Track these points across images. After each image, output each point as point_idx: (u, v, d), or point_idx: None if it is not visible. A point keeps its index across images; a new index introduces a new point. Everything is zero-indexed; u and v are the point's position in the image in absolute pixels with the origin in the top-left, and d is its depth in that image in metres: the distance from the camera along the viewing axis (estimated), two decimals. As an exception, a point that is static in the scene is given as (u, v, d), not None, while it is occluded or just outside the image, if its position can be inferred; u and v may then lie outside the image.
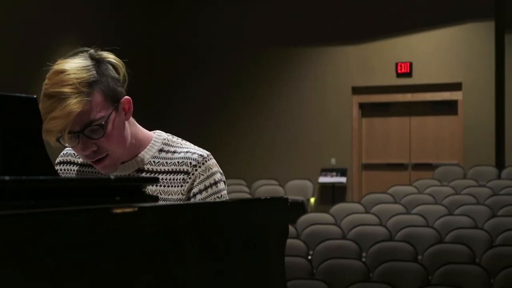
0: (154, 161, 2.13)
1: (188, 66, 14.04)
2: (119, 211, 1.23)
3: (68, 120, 1.94)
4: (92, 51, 2.06)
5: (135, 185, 1.25)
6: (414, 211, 9.20)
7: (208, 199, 2.08)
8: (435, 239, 7.85)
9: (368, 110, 13.29)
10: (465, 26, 12.57)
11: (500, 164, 12.22)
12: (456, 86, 12.64)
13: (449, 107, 12.79)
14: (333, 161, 13.17)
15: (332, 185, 13.00)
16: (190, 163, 2.09)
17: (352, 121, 13.19)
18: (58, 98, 1.94)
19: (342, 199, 12.59)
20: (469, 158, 12.33)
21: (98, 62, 2.04)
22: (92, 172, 2.19)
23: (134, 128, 2.15)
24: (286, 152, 13.30)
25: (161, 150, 2.14)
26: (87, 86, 1.97)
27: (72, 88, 1.95)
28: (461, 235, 7.79)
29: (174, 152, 2.13)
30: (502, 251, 7.13)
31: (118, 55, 2.15)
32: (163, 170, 2.10)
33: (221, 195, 2.11)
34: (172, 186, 2.07)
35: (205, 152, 2.13)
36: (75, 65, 1.99)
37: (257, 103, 13.54)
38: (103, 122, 2.00)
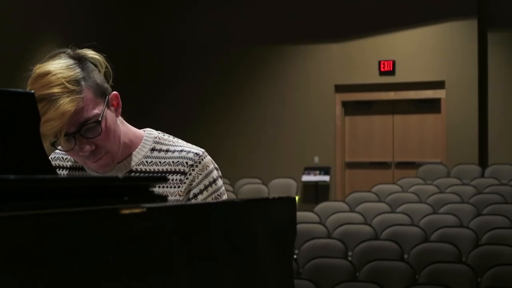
0: (146, 161, 2.06)
1: (170, 66, 13.96)
2: (127, 211, 1.16)
3: (63, 121, 1.87)
4: (69, 50, 2.00)
5: (143, 184, 1.19)
6: (398, 209, 9.19)
7: (209, 199, 2.02)
8: (421, 238, 7.83)
9: (351, 108, 13.27)
10: (448, 24, 12.57)
11: (483, 162, 12.24)
12: (439, 84, 12.65)
13: (432, 105, 12.80)
14: (316, 159, 13.14)
15: (316, 184, 12.96)
16: (187, 162, 2.02)
17: (335, 119, 13.16)
18: (49, 100, 1.87)
19: (326, 198, 12.56)
20: (452, 156, 12.34)
21: (79, 60, 1.98)
22: (82, 174, 2.11)
23: (125, 126, 2.08)
24: (269, 151, 13.25)
25: (153, 149, 2.07)
26: (76, 84, 1.91)
27: (61, 88, 1.88)
28: (447, 234, 7.78)
29: (167, 150, 2.06)
30: (489, 249, 7.12)
31: (101, 52, 2.09)
32: (157, 170, 2.03)
33: (220, 193, 2.05)
34: (168, 187, 2.00)
35: (200, 150, 2.06)
36: (58, 65, 1.93)
37: (240, 102, 13.48)
38: (99, 119, 1.94)
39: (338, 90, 13.17)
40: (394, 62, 12.85)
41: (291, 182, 12.45)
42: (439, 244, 7.33)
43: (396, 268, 6.65)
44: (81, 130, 1.92)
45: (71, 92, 1.89)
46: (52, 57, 1.97)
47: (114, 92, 2.04)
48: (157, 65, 14.03)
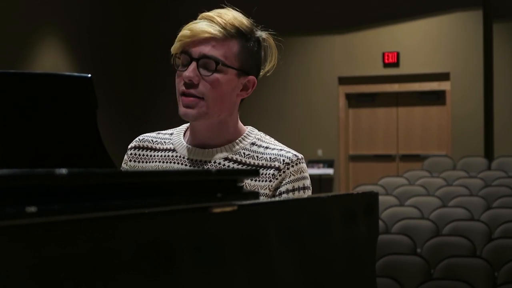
0: (244, 153, 2.00)
1: (170, 57, 13.77)
2: (218, 210, 1.01)
3: (196, 37, 1.91)
4: (259, 28, 2.05)
5: (234, 179, 1.04)
6: (407, 203, 9.09)
7: None
8: (433, 231, 7.73)
9: (354, 100, 13.14)
10: (453, 15, 12.44)
11: (489, 154, 12.13)
12: (444, 76, 12.52)
13: (437, 97, 12.67)
14: (319, 152, 13.01)
15: (319, 177, 12.83)
16: (283, 160, 1.97)
17: (339, 111, 13.02)
18: (205, 20, 1.94)
19: (329, 191, 12.45)
20: (457, 149, 12.22)
21: (257, 35, 2.01)
22: (175, 156, 2.03)
23: (235, 114, 2.06)
24: (271, 144, 13.10)
25: (253, 144, 2.03)
26: (233, 30, 1.94)
27: (222, 21, 1.93)
28: (459, 227, 7.68)
29: (267, 147, 2.02)
30: (503, 243, 7.02)
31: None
32: (252, 163, 1.97)
33: None
34: (260, 181, 1.91)
35: (299, 154, 2.02)
36: (237, 14, 1.99)
37: (242, 94, 13.30)
38: (220, 63, 1.92)
39: (341, 82, 13.03)
40: (398, 54, 12.71)
41: (295, 175, 12.31)
42: (452, 238, 7.22)
43: (410, 262, 6.54)
44: (200, 60, 1.92)
45: (224, 29, 1.92)
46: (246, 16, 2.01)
47: (254, 78, 2.02)
48: (157, 56, 13.86)
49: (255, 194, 1.08)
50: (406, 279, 6.28)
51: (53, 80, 1.33)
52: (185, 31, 1.93)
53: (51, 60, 11.55)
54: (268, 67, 2.05)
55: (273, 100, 13.22)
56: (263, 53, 2.03)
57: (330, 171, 12.75)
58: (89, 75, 1.35)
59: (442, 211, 8.47)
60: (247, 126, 2.09)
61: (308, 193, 1.98)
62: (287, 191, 1.93)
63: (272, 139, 2.08)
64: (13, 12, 10.84)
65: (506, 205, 8.59)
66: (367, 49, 12.82)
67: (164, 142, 2.08)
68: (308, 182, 1.99)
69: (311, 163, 12.79)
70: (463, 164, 11.49)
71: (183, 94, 1.94)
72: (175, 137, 2.07)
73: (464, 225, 7.75)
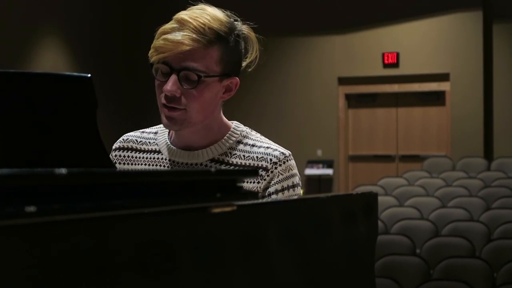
0: (230, 153, 1.95)
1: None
2: (218, 210, 1.01)
3: (175, 49, 1.83)
4: (239, 21, 1.97)
5: (233, 179, 1.04)
6: (407, 203, 9.09)
7: None
8: (432, 232, 7.73)
9: (354, 101, 13.13)
10: (453, 15, 12.44)
11: (488, 155, 12.13)
12: (444, 77, 12.52)
13: (437, 98, 12.67)
14: (319, 152, 13.01)
15: (319, 177, 12.83)
16: (270, 159, 1.91)
17: (338, 112, 13.02)
18: (181, 25, 1.84)
19: (329, 191, 12.45)
20: (457, 149, 12.22)
21: (237, 30, 1.94)
22: (160, 159, 1.99)
23: (218, 112, 2.00)
24: (271, 144, 13.09)
25: (239, 142, 1.98)
26: (213, 36, 1.86)
27: (199, 25, 1.84)
28: (458, 228, 7.68)
29: (253, 145, 1.96)
30: (502, 244, 7.02)
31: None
32: (239, 163, 1.93)
33: None
34: (248, 182, 1.88)
35: (286, 151, 1.95)
36: (216, 13, 1.90)
37: (241, 94, 13.26)
38: (202, 76, 1.85)
39: (341, 83, 13.03)
40: (398, 54, 12.71)
41: (294, 175, 12.32)
42: (451, 239, 7.22)
43: (409, 263, 6.54)
44: (181, 72, 1.85)
45: (202, 35, 1.84)
46: (223, 10, 1.94)
47: (237, 79, 1.96)
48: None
49: (254, 194, 1.08)
50: (405, 280, 6.28)
51: (52, 80, 1.33)
52: (162, 42, 1.85)
53: (51, 60, 11.55)
54: (248, 60, 1.98)
55: (273, 100, 13.22)
56: (243, 46, 1.96)
57: (329, 171, 12.75)
58: (89, 75, 1.34)
59: (441, 212, 8.47)
60: (232, 122, 2.04)
61: (298, 190, 1.94)
62: (276, 192, 1.89)
63: (258, 135, 2.03)
64: (13, 12, 10.84)
65: (506, 205, 8.59)
66: (367, 49, 12.82)
67: (149, 142, 2.04)
68: (297, 179, 1.95)
69: (310, 163, 12.80)
70: (463, 165, 11.49)
71: (165, 106, 1.89)
72: (160, 137, 2.03)
73: (463, 226, 7.75)
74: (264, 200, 1.69)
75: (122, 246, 0.92)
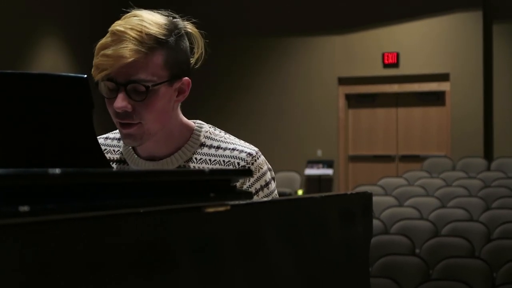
0: (196, 158, 1.88)
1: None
2: (212, 210, 1.02)
3: (116, 64, 1.74)
4: (179, 19, 1.87)
5: (227, 179, 1.05)
6: (407, 203, 9.10)
7: None
8: (432, 232, 7.73)
9: (354, 101, 13.14)
10: (453, 16, 12.44)
11: (488, 155, 12.13)
12: (444, 77, 12.52)
13: (437, 98, 12.67)
14: (319, 152, 13.01)
15: (319, 177, 12.84)
16: (238, 163, 1.84)
17: (338, 112, 13.03)
18: (119, 38, 1.76)
19: (329, 192, 12.44)
20: (457, 149, 12.23)
21: (177, 29, 1.84)
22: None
23: (177, 115, 1.90)
24: (271, 144, 13.09)
25: (203, 145, 1.90)
26: (153, 42, 1.77)
27: (137, 34, 1.75)
28: (458, 228, 7.68)
29: (218, 147, 1.89)
30: (501, 244, 7.03)
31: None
32: None
33: (273, 196, 1.88)
34: None
35: (253, 150, 1.87)
36: (153, 17, 1.80)
37: (241, 94, 13.31)
38: (149, 86, 1.77)
39: (341, 83, 13.04)
40: (398, 54, 12.72)
41: (294, 175, 12.34)
42: (450, 239, 7.22)
43: (409, 263, 6.54)
44: (128, 86, 1.76)
45: (142, 44, 1.75)
46: (161, 14, 1.85)
47: (188, 78, 1.86)
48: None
49: (248, 194, 1.08)
50: (405, 280, 6.28)
51: (48, 80, 1.34)
52: (102, 59, 1.77)
53: (51, 60, 11.56)
54: (196, 56, 1.89)
55: (273, 100, 13.22)
56: (187, 44, 1.87)
57: (329, 171, 12.75)
58: (85, 75, 1.35)
59: (441, 212, 8.48)
60: (194, 121, 1.95)
61: (272, 186, 1.88)
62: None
63: (222, 133, 1.95)
64: (13, 12, 10.84)
65: (505, 206, 8.60)
66: (367, 49, 12.83)
67: (114, 151, 1.97)
68: (268, 176, 1.88)
69: (310, 163, 12.80)
70: (463, 165, 11.50)
71: (120, 124, 1.81)
72: (124, 146, 1.95)
73: (463, 226, 7.75)
74: (260, 200, 1.68)
75: (116, 246, 0.93)
